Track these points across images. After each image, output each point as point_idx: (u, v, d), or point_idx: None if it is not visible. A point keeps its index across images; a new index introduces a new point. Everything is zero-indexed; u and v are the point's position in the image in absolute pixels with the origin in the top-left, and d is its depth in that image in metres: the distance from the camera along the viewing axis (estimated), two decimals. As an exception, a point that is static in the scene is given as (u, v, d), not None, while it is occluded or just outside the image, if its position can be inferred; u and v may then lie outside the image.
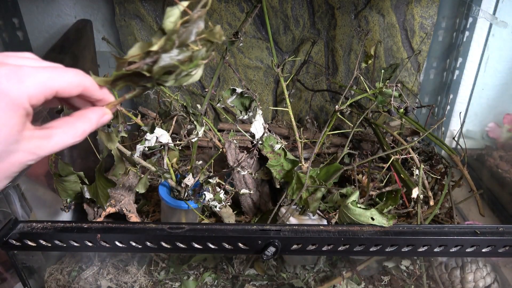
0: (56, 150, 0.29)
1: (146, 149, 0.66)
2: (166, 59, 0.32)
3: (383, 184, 0.77)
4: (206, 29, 0.33)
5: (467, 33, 1.00)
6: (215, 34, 0.33)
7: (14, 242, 0.56)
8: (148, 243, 0.57)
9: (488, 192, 0.98)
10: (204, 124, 0.74)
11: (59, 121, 0.30)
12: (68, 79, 0.29)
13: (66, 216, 0.80)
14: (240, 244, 0.57)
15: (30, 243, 0.57)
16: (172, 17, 0.31)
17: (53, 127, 0.29)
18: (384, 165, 0.74)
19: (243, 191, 0.78)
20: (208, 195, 0.72)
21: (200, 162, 0.75)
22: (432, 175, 0.83)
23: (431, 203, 0.71)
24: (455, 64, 1.05)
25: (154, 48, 0.32)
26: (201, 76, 1.07)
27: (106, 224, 0.58)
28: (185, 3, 0.31)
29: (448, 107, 1.11)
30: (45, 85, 0.27)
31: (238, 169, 0.76)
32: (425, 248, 0.57)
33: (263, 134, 0.71)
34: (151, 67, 0.33)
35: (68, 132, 0.30)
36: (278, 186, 0.80)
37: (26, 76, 0.26)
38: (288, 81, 0.97)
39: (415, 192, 0.65)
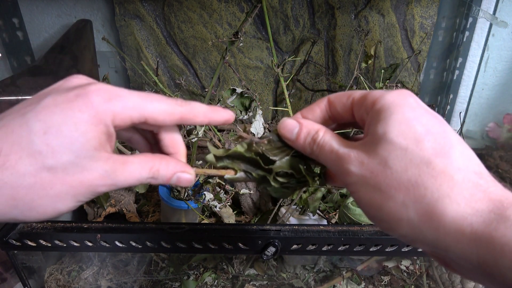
0: (129, 182, 0.28)
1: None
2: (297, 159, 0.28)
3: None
4: None
5: (467, 33, 1.00)
6: None
7: (14, 242, 0.56)
8: (148, 243, 0.57)
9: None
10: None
11: (136, 155, 0.29)
12: (160, 107, 0.28)
13: (66, 216, 0.80)
14: (240, 244, 0.57)
15: (30, 243, 0.57)
16: None
17: (131, 156, 0.29)
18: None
19: (243, 191, 0.78)
20: (208, 195, 0.72)
21: (200, 162, 0.75)
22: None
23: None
24: (455, 64, 1.05)
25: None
26: (201, 76, 1.07)
27: (106, 224, 0.58)
28: None
29: (448, 107, 1.11)
30: (133, 108, 0.27)
31: (238, 169, 0.76)
32: (425, 248, 0.57)
33: (263, 134, 0.71)
34: (277, 157, 0.28)
35: (144, 165, 0.28)
36: (278, 186, 0.80)
37: (116, 95, 0.27)
38: (288, 81, 0.97)
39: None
